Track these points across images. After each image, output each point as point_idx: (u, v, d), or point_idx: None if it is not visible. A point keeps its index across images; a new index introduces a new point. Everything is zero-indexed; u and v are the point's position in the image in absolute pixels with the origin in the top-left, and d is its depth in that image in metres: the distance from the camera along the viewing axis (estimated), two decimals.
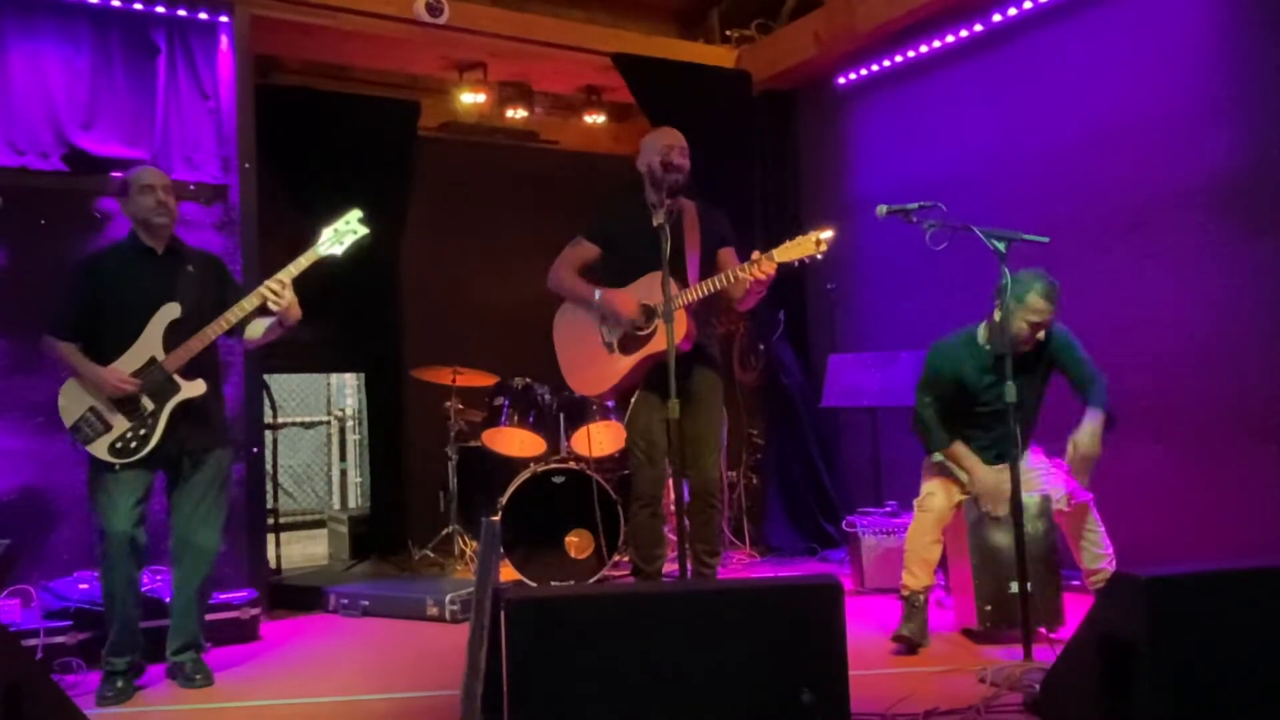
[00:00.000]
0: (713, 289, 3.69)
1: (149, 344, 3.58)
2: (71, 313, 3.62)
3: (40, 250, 4.36)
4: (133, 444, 3.53)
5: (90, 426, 3.53)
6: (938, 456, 3.92)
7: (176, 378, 3.58)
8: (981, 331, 3.88)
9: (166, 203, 3.66)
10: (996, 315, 3.68)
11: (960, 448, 3.84)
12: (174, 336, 3.58)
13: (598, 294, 3.91)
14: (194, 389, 3.60)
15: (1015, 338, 3.63)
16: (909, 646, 3.70)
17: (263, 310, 3.62)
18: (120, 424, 3.54)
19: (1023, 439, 3.78)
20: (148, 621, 3.72)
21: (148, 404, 3.56)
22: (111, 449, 3.52)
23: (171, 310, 3.61)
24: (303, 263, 3.62)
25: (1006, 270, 3.50)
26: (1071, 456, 3.66)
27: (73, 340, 3.59)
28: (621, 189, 4.06)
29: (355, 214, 3.70)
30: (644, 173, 3.92)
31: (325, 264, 3.68)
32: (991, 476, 3.77)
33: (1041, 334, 3.72)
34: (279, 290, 3.55)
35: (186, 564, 3.67)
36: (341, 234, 3.67)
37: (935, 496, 3.85)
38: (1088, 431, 3.63)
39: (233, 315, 3.58)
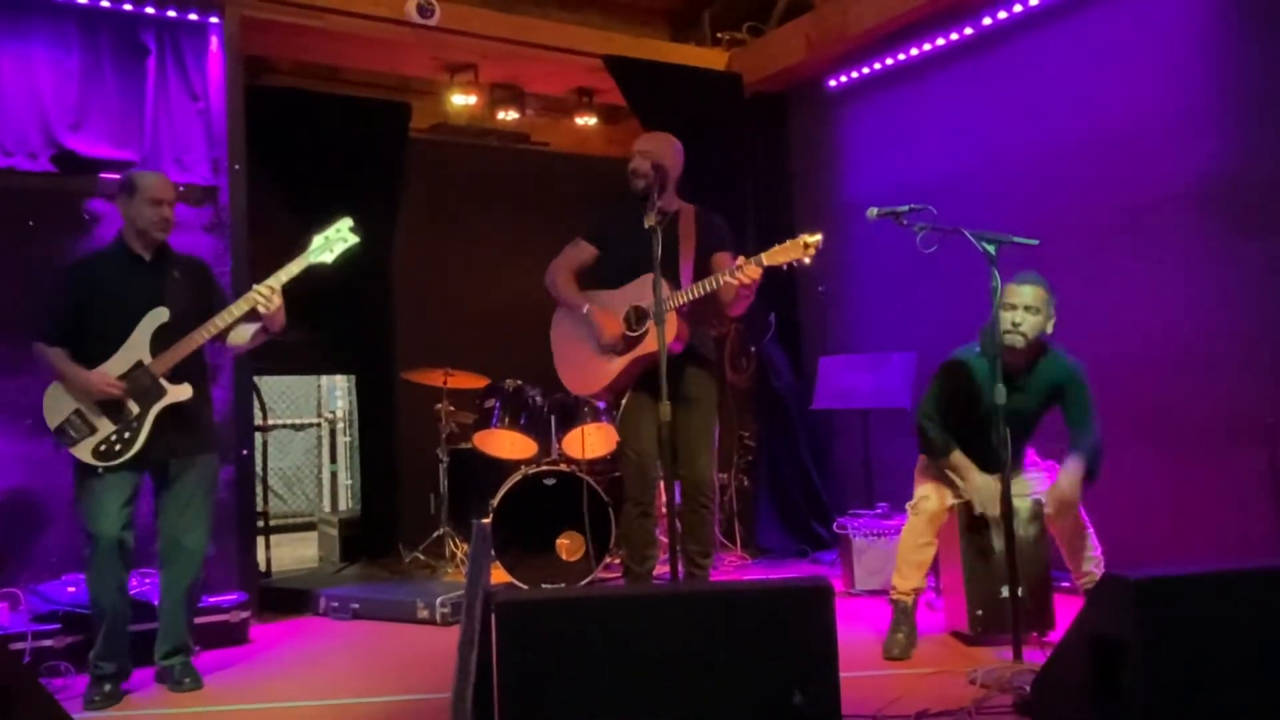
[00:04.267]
0: (702, 292, 3.69)
1: (136, 348, 3.57)
2: (60, 319, 3.62)
3: (29, 251, 4.33)
4: (117, 447, 3.53)
5: (75, 429, 3.53)
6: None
7: (163, 381, 3.57)
8: (977, 346, 3.86)
9: (169, 218, 3.68)
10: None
11: (958, 457, 3.82)
12: (161, 340, 3.58)
13: (586, 308, 3.95)
14: (180, 393, 3.59)
15: (1001, 334, 3.62)
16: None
17: (251, 315, 3.61)
18: (105, 427, 3.53)
19: (1016, 452, 3.79)
20: (136, 625, 3.70)
21: (133, 407, 3.55)
22: (95, 452, 3.52)
23: (160, 314, 3.60)
24: (293, 269, 3.60)
25: (996, 272, 3.50)
26: (1051, 503, 3.70)
27: (61, 345, 3.58)
28: (612, 191, 4.06)
29: (346, 222, 3.68)
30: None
31: (315, 266, 3.67)
32: (986, 483, 3.74)
33: (1025, 323, 3.65)
34: (269, 295, 3.54)
35: (175, 567, 3.66)
36: (332, 241, 3.65)
37: (929, 499, 3.84)
38: (1068, 479, 3.66)
39: (221, 320, 3.57)
